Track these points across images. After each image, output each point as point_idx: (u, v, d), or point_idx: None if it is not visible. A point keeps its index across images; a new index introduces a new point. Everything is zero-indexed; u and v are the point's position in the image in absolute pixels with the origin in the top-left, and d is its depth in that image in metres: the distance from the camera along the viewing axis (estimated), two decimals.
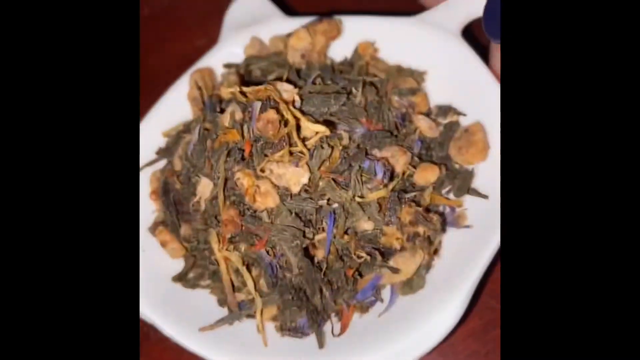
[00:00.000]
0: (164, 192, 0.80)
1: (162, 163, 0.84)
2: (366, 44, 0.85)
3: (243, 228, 0.70)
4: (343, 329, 0.71)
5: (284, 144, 0.69)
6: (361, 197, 0.70)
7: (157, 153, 0.85)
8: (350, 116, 0.74)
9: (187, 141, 0.79)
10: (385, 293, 0.73)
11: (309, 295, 0.70)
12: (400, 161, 0.74)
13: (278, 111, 0.69)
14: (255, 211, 0.70)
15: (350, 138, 0.73)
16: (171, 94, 0.86)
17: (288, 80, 0.77)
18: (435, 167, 0.75)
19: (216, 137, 0.74)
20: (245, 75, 0.83)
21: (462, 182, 0.77)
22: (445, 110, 0.81)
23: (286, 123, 0.70)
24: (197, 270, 0.77)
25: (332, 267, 0.71)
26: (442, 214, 0.75)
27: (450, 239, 0.74)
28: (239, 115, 0.73)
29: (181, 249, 0.78)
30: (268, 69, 0.84)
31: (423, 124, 0.78)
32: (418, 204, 0.73)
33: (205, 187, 0.74)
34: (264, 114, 0.69)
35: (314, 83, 0.78)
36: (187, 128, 0.82)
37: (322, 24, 0.84)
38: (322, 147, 0.70)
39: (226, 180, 0.71)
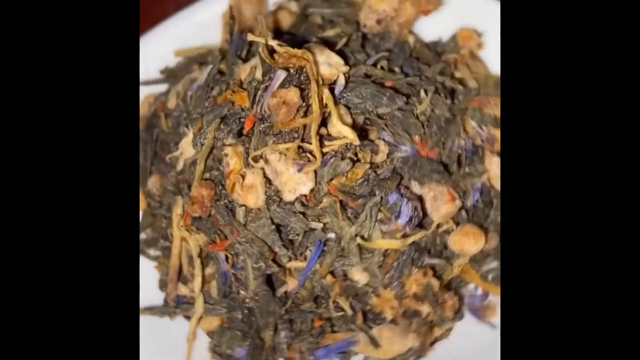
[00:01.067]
0: (149, 125, 0.68)
1: (162, 88, 0.71)
2: (470, 33, 0.68)
3: (211, 214, 0.59)
4: None
5: (295, 135, 0.56)
6: (366, 239, 0.57)
7: (162, 72, 0.72)
8: (401, 127, 0.59)
9: (193, 78, 0.66)
10: None
11: (261, 326, 0.61)
12: (441, 209, 0.59)
13: (303, 93, 0.55)
14: (231, 201, 0.59)
15: (388, 155, 0.59)
16: (207, 5, 0.72)
17: (340, 52, 0.61)
18: (482, 235, 0.60)
19: (226, 89, 0.61)
20: (298, 19, 0.69)
21: None
22: None
23: (307, 111, 0.56)
24: (151, 234, 0.68)
25: (301, 305, 0.61)
26: (461, 297, 0.62)
27: (463, 329, 0.62)
28: (259, 74, 0.59)
29: (142, 201, 0.67)
30: (332, 20, 0.68)
31: (495, 170, 0.62)
32: (437, 276, 0.60)
33: (189, 145, 0.62)
34: (283, 91, 0.55)
35: (374, 65, 0.62)
36: (203, 57, 0.69)
37: None
38: (342, 158, 0.56)
39: (212, 148, 0.60)
